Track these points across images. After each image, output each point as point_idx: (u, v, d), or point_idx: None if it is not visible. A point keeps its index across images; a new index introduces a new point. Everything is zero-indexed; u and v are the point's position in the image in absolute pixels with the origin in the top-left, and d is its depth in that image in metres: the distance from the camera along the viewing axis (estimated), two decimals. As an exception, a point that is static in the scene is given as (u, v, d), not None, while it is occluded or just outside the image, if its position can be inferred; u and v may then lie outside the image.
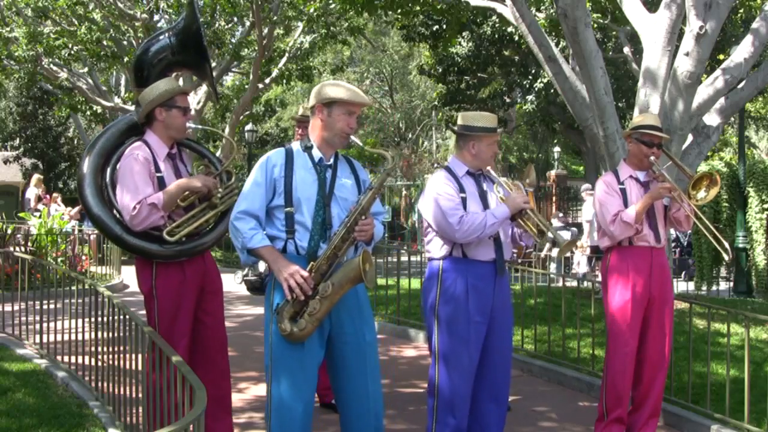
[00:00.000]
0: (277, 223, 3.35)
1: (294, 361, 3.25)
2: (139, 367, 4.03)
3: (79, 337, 5.41)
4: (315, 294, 3.20)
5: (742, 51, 7.97)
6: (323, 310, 3.21)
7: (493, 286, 3.90)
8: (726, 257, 4.40)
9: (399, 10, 11.58)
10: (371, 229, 3.32)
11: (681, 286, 12.13)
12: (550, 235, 3.92)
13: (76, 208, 14.97)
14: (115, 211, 3.91)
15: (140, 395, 3.75)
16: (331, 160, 3.44)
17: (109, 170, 4.00)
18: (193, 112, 14.64)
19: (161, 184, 3.87)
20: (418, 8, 11.82)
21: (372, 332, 3.44)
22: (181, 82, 4.26)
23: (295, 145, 3.46)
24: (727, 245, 4.39)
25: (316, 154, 3.41)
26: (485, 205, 3.92)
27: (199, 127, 4.88)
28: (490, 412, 3.93)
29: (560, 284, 7.44)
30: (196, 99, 15.61)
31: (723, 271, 13.38)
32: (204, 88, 15.54)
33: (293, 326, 3.20)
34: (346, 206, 3.35)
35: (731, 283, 12.46)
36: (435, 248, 3.94)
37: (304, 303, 3.21)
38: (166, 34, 4.40)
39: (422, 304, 4.06)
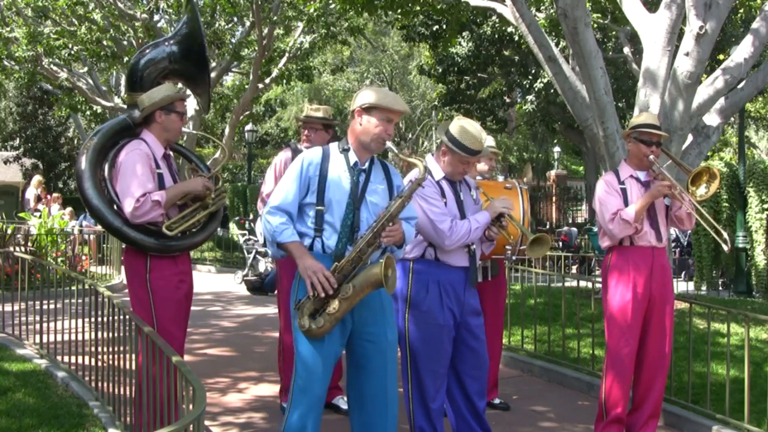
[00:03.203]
0: (307, 219, 3.41)
1: (311, 356, 3.31)
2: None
3: (79, 337, 5.41)
4: (336, 294, 3.25)
5: (742, 51, 7.97)
6: (342, 310, 3.26)
7: (464, 291, 3.95)
8: (725, 247, 4.38)
9: (399, 10, 11.59)
10: (399, 234, 3.37)
11: (681, 286, 12.12)
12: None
13: (68, 209, 15.02)
14: (114, 205, 3.97)
15: (143, 396, 3.76)
16: (366, 165, 3.48)
17: (106, 166, 4.05)
18: (192, 113, 14.69)
19: (161, 181, 3.99)
20: (418, 8, 11.83)
21: (393, 332, 3.49)
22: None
23: (333, 146, 3.52)
24: (726, 236, 4.38)
25: (352, 157, 3.46)
26: (462, 213, 3.97)
27: (194, 132, 4.92)
28: (468, 415, 3.99)
29: (560, 284, 7.44)
30: (194, 100, 15.60)
31: (722, 275, 13.34)
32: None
33: (312, 323, 3.26)
34: (376, 211, 3.40)
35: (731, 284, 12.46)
36: (407, 249, 3.93)
37: (325, 301, 3.26)
38: (166, 43, 4.49)
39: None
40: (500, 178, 5.11)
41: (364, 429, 3.44)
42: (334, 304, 3.24)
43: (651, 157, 4.40)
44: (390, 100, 3.42)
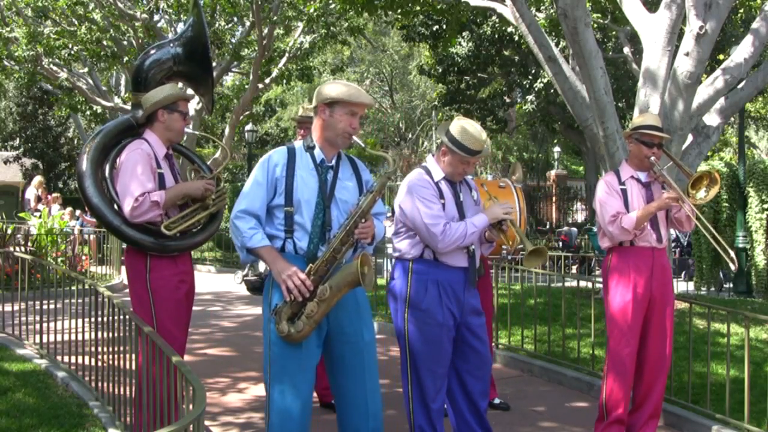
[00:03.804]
0: (276, 221, 3.34)
1: (292, 362, 3.25)
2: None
3: (79, 337, 5.41)
4: (313, 296, 3.19)
5: (742, 51, 7.97)
6: (321, 312, 3.21)
7: (463, 291, 3.93)
8: (732, 267, 4.37)
9: (399, 10, 11.59)
10: (371, 231, 3.31)
11: (681, 286, 12.13)
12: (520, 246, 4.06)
13: (68, 209, 15.04)
14: (114, 204, 3.98)
15: (143, 396, 3.76)
16: (333, 161, 3.42)
17: (107, 166, 4.06)
18: (193, 113, 14.68)
19: (161, 180, 4.00)
20: (418, 8, 11.83)
21: (370, 332, 3.44)
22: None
23: (298, 145, 3.44)
24: (733, 254, 4.37)
25: (318, 154, 3.39)
26: (461, 214, 3.95)
27: (196, 132, 4.94)
28: (469, 415, 3.99)
29: (560, 284, 7.45)
30: (195, 101, 15.60)
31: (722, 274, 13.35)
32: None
33: (291, 327, 3.20)
34: (346, 208, 3.34)
35: (730, 284, 12.47)
36: (406, 248, 3.95)
37: (302, 304, 3.20)
38: (171, 44, 4.51)
39: (390, 300, 4.06)
40: (489, 177, 5.12)
41: (346, 430, 3.40)
42: (312, 307, 3.18)
43: (652, 158, 4.39)
44: (353, 93, 3.33)
